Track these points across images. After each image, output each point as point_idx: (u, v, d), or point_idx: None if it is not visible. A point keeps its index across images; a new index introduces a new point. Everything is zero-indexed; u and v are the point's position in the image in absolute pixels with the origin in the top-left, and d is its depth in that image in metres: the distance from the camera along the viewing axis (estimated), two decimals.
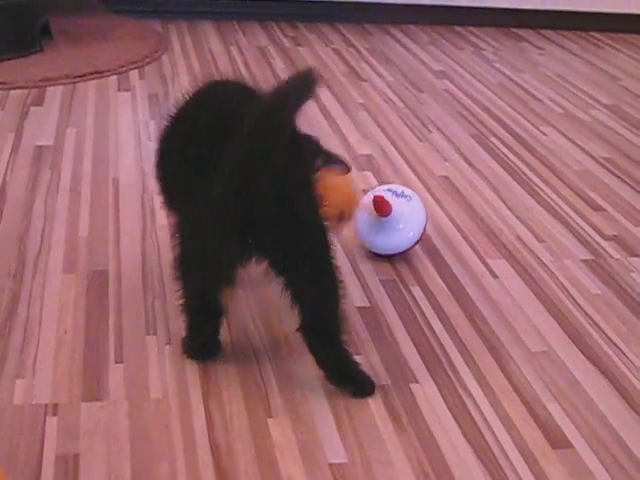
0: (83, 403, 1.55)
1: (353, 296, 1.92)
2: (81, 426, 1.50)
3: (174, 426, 1.51)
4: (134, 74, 3.16)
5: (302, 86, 1.50)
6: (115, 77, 3.11)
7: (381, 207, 2.00)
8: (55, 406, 1.54)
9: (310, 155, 1.76)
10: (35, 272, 1.92)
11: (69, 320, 1.77)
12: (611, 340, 1.85)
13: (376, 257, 2.06)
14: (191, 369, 1.65)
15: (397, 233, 2.04)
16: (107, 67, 3.17)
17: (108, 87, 3.02)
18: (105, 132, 2.64)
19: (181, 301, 1.67)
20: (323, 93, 3.12)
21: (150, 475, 1.41)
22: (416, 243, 2.05)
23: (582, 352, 1.80)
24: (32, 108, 2.79)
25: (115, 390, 1.59)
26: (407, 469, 1.46)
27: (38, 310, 1.79)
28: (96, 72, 3.11)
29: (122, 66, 3.20)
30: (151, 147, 2.54)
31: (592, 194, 2.50)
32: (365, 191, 2.21)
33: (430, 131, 2.86)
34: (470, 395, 1.65)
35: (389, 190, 2.08)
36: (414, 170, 2.55)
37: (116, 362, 1.66)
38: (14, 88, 2.94)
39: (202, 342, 1.69)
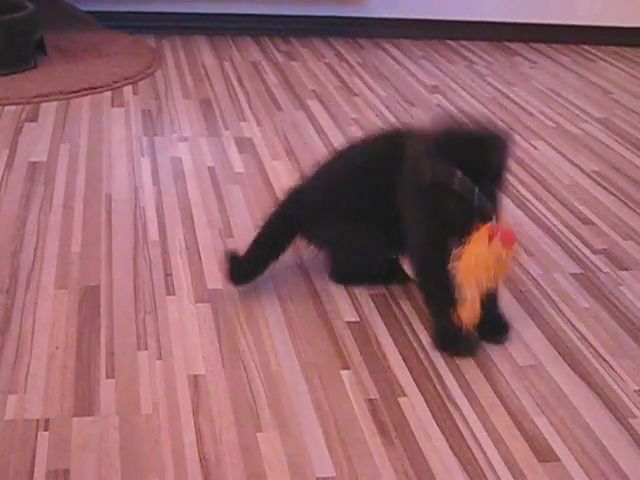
0: (74, 418, 1.57)
1: (343, 310, 1.93)
2: (72, 441, 1.51)
3: (164, 441, 1.53)
4: (128, 90, 3.18)
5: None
6: (109, 93, 3.14)
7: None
8: (47, 421, 1.55)
9: None
10: (28, 288, 1.94)
11: (61, 335, 1.79)
12: (599, 353, 1.86)
13: None
14: (181, 384, 1.67)
15: None
16: (101, 83, 3.19)
17: (102, 103, 3.04)
18: (98, 148, 2.66)
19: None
20: (315, 107, 3.14)
21: None
22: None
23: (570, 366, 1.82)
24: (26, 124, 2.81)
25: (106, 405, 1.60)
26: None
27: (30, 326, 1.81)
28: (90, 88, 3.13)
29: (116, 82, 3.22)
30: (143, 163, 2.56)
31: (582, 208, 2.52)
32: None
33: None
34: (458, 409, 1.66)
35: None
36: None
37: (107, 377, 1.67)
38: (8, 104, 2.96)
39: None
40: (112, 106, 3.01)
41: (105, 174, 2.49)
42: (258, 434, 1.56)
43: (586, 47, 4.28)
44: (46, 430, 1.53)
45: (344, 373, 1.67)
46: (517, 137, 3.02)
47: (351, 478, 1.48)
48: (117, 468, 1.46)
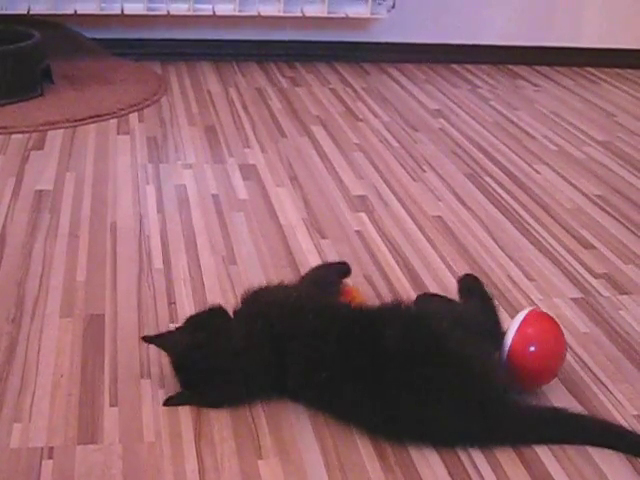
0: (78, 446, 1.59)
1: None
2: (76, 469, 1.53)
3: (166, 469, 1.55)
4: (134, 117, 3.21)
5: None
6: (115, 120, 3.17)
7: None
8: (51, 449, 1.57)
9: None
10: (33, 316, 1.96)
11: (65, 364, 1.81)
12: (598, 378, 1.88)
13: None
14: (184, 411, 1.68)
15: None
16: (107, 110, 3.22)
17: (108, 130, 3.07)
18: (104, 176, 2.69)
19: None
20: (319, 133, 3.16)
21: None
22: None
23: (569, 391, 1.83)
24: (33, 152, 2.84)
25: (109, 433, 1.62)
26: None
27: (35, 354, 1.83)
28: (96, 115, 3.17)
29: (122, 109, 3.25)
30: (148, 190, 2.59)
31: (583, 232, 2.54)
32: None
33: (424, 171, 2.91)
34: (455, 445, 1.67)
35: None
36: (408, 210, 2.59)
37: (111, 405, 1.69)
38: (15, 132, 2.99)
39: None
40: (118, 134, 3.05)
41: (110, 202, 2.52)
42: (259, 461, 1.58)
43: (590, 69, 4.31)
44: (50, 458, 1.55)
45: None
46: (520, 161, 3.05)
47: None
48: None
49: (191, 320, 1.79)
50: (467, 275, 2.07)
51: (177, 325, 1.83)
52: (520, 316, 1.81)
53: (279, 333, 1.71)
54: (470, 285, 1.99)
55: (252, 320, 1.75)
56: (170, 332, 1.80)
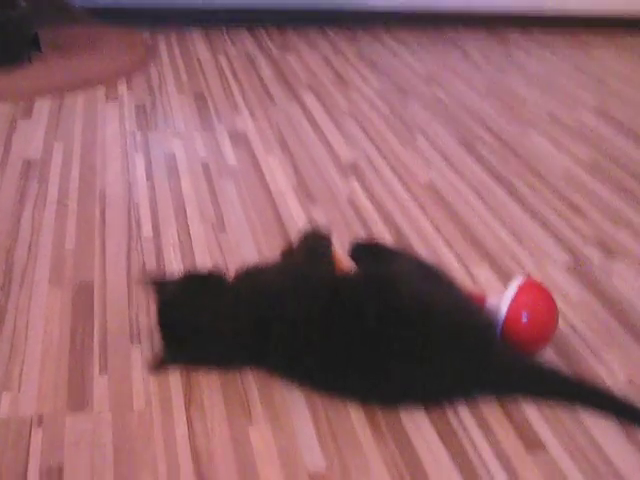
0: (68, 414, 1.58)
1: None
2: (65, 437, 1.53)
3: (157, 435, 1.54)
4: (122, 85, 3.19)
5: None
6: (103, 88, 3.14)
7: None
8: (40, 417, 1.57)
9: None
10: (22, 284, 1.95)
11: (55, 331, 1.80)
12: (589, 344, 1.87)
13: None
14: (174, 378, 1.68)
15: None
16: (95, 78, 3.20)
17: (96, 98, 3.05)
18: (92, 144, 2.67)
19: None
20: (309, 100, 3.14)
21: None
22: None
23: (561, 355, 1.83)
24: (20, 121, 2.81)
25: (99, 401, 1.61)
26: (385, 475, 1.49)
27: (24, 322, 1.82)
28: (84, 83, 3.14)
29: (110, 77, 3.22)
30: (137, 158, 2.57)
31: (575, 197, 2.53)
32: None
33: (415, 137, 2.89)
34: (448, 400, 1.67)
35: None
36: (399, 177, 2.58)
37: (100, 373, 1.68)
38: (2, 101, 2.96)
39: None
40: (106, 101, 3.02)
41: (99, 170, 2.50)
42: (249, 427, 1.57)
43: (582, 35, 4.28)
44: (40, 426, 1.55)
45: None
46: (511, 128, 3.03)
47: (341, 470, 1.49)
48: (110, 464, 1.48)
49: (189, 275, 1.79)
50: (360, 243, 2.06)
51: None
52: (514, 285, 1.81)
53: (264, 314, 1.70)
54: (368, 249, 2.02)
55: (242, 294, 1.74)
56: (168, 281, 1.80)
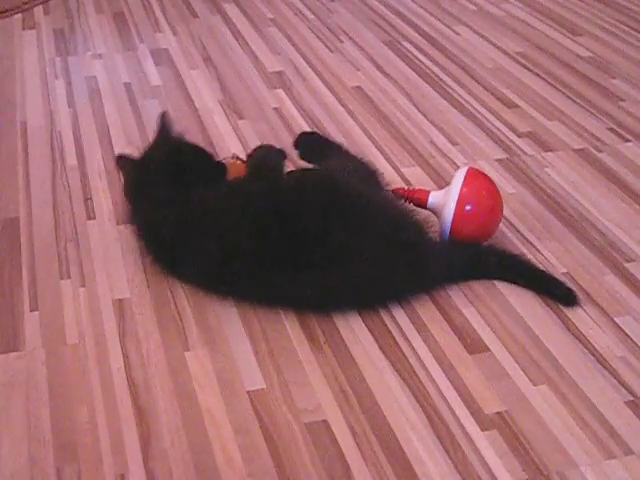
0: (0, 355, 1.55)
1: None
2: None
3: (92, 369, 1.51)
4: (39, 10, 3.08)
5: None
6: (19, 15, 3.04)
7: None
8: None
9: None
10: None
11: None
12: (526, 238, 1.86)
13: None
14: (106, 310, 1.65)
15: None
16: (11, 5, 3.09)
17: (13, 27, 2.95)
18: (10, 74, 2.59)
19: None
20: (231, 11, 3.07)
21: (70, 420, 1.41)
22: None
23: None
24: None
25: (31, 339, 1.58)
26: (325, 388, 1.47)
27: None
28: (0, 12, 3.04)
29: (25, 3, 3.12)
30: (58, 85, 2.50)
31: (506, 91, 2.50)
32: None
33: (342, 41, 2.83)
34: (385, 306, 1.65)
35: None
36: (326, 83, 2.53)
37: (31, 310, 1.65)
38: None
39: None
40: (23, 29, 2.93)
41: (19, 100, 2.43)
42: (186, 353, 1.55)
43: None
44: None
45: None
46: (438, 24, 2.98)
47: (281, 388, 1.47)
48: (46, 402, 1.45)
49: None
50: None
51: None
52: (460, 175, 1.78)
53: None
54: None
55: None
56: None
